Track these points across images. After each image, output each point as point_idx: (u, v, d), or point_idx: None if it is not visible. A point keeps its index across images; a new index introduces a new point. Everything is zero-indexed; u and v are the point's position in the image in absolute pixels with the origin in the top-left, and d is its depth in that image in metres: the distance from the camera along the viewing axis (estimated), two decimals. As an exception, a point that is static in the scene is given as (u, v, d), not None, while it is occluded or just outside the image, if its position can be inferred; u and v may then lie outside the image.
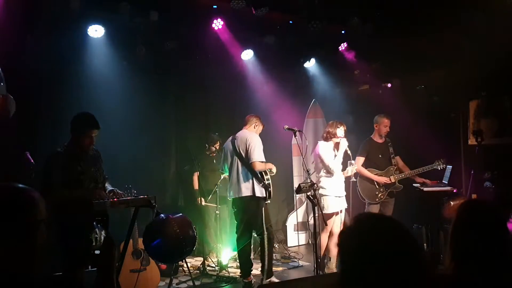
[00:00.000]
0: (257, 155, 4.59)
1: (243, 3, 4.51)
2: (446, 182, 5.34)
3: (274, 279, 4.83)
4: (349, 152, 4.96)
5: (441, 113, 6.34)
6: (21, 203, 1.43)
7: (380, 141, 5.56)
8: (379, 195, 5.43)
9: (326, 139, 5.01)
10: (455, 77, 5.83)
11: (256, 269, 5.50)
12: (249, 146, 4.62)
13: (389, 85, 7.05)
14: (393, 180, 5.39)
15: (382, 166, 5.46)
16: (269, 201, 4.76)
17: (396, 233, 1.22)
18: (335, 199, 4.88)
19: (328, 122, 5.61)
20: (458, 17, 4.71)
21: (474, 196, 4.99)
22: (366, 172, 5.41)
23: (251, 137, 4.69)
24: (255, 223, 4.70)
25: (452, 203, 4.91)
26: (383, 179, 5.39)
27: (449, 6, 4.60)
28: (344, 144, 4.89)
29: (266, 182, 4.66)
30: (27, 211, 1.43)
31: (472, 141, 5.88)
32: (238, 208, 4.79)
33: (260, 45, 5.54)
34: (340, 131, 4.94)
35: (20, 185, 1.50)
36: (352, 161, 5.06)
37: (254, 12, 4.72)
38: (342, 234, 1.29)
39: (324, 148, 4.95)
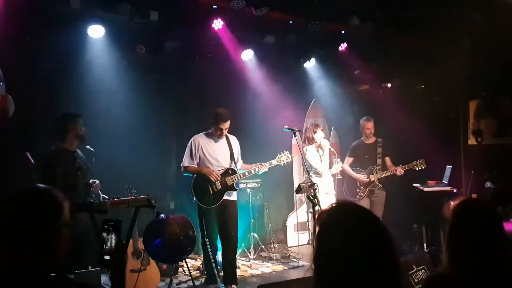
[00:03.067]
0: (183, 159, 4.63)
1: (243, 3, 4.51)
2: (446, 182, 5.34)
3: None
4: (332, 149, 5.19)
5: (441, 113, 6.34)
6: (49, 206, 1.37)
7: (369, 142, 5.72)
8: (359, 193, 5.63)
9: (308, 143, 5.19)
10: (455, 77, 5.83)
11: (256, 269, 5.51)
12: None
13: (389, 85, 7.05)
14: (372, 179, 5.55)
15: (366, 166, 5.64)
16: (206, 207, 4.46)
17: (366, 223, 1.23)
18: (324, 195, 4.99)
19: (327, 122, 5.66)
20: (458, 17, 4.71)
21: (474, 196, 4.99)
22: (348, 171, 5.66)
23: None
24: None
25: (452, 203, 4.91)
26: (360, 177, 5.58)
27: (449, 6, 4.60)
28: (326, 145, 5.07)
29: (193, 186, 4.50)
30: (54, 214, 1.37)
31: (472, 141, 5.88)
32: None
33: (260, 45, 5.54)
34: (318, 135, 5.11)
35: (48, 188, 1.43)
36: (338, 159, 5.28)
37: (254, 12, 4.72)
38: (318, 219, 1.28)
39: (310, 153, 5.13)
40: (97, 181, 3.94)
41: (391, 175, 5.50)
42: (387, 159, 5.66)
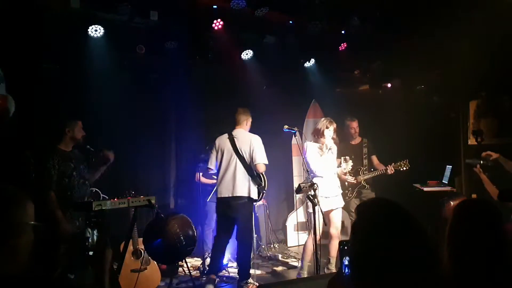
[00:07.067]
0: (263, 157, 4.72)
1: (243, 3, 4.51)
2: (446, 182, 5.34)
3: (251, 280, 4.74)
4: (332, 150, 4.87)
5: (441, 113, 6.34)
6: (3, 203, 1.39)
7: (354, 142, 5.70)
8: (348, 194, 5.59)
9: (314, 137, 4.93)
10: (455, 77, 5.83)
11: (256, 269, 5.50)
12: (253, 148, 4.70)
13: (389, 85, 7.05)
14: (359, 180, 5.52)
15: (352, 167, 5.49)
16: (256, 203, 4.88)
17: (398, 215, 1.44)
18: (320, 199, 4.58)
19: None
20: (458, 17, 4.71)
21: (474, 196, 4.99)
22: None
23: (255, 139, 4.76)
24: (244, 225, 4.69)
25: (452, 203, 4.91)
26: (348, 179, 5.46)
27: (449, 6, 4.60)
28: (328, 145, 4.82)
29: (263, 184, 4.77)
30: (9, 211, 1.39)
31: (472, 141, 5.88)
32: (228, 207, 4.67)
33: (260, 45, 5.54)
34: (329, 131, 4.82)
35: (7, 186, 1.45)
36: (347, 157, 5.11)
37: (254, 12, 4.72)
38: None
39: (310, 150, 4.86)
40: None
41: (380, 175, 5.44)
42: (374, 158, 5.62)
